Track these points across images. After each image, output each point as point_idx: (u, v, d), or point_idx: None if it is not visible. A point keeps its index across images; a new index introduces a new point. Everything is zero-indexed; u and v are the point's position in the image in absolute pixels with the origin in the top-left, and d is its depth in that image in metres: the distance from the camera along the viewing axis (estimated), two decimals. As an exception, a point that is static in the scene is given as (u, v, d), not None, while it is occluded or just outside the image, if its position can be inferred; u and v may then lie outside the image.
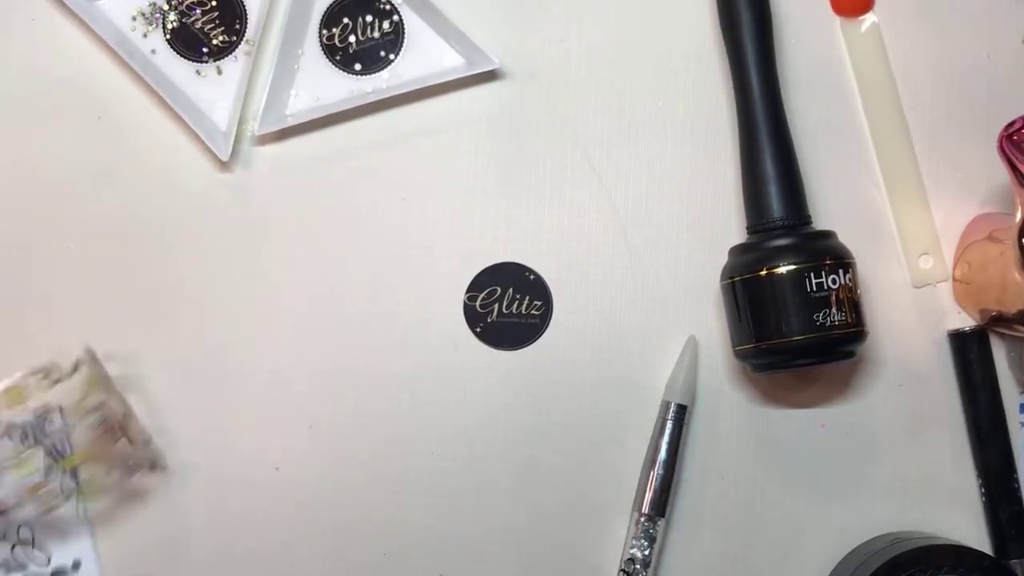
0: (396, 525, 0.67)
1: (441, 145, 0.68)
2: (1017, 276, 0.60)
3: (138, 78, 0.67)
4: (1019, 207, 0.59)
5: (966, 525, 0.66)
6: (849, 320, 0.60)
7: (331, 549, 0.67)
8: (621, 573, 0.65)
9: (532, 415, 0.67)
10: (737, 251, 0.63)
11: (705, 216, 0.67)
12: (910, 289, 0.67)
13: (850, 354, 0.62)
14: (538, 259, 0.67)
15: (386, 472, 0.67)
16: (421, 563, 0.67)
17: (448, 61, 0.68)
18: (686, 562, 0.66)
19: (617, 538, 0.66)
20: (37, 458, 0.62)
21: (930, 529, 0.66)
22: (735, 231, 0.67)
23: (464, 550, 0.67)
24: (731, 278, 0.62)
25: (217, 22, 0.68)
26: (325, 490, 0.67)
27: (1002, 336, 0.67)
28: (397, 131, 0.68)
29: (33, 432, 0.62)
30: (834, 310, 0.60)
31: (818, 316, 0.60)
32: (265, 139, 0.68)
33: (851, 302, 0.61)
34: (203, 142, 0.66)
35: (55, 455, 0.63)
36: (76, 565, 0.66)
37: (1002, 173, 0.59)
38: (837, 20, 0.68)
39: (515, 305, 0.67)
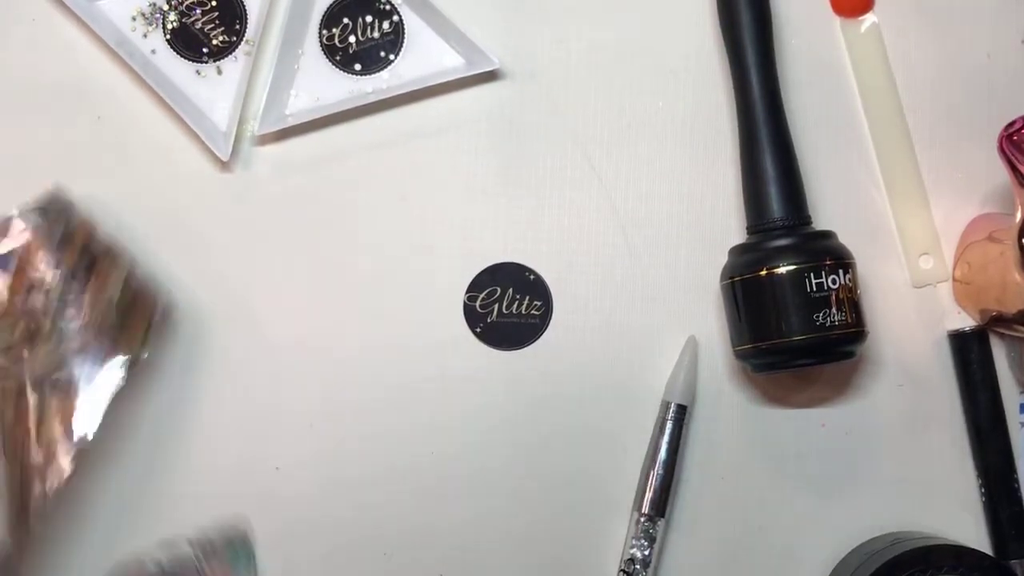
0: (396, 525, 0.67)
1: (441, 145, 0.68)
2: (1017, 276, 0.60)
3: (138, 78, 0.67)
4: (1019, 207, 0.59)
5: (966, 525, 0.66)
6: (849, 320, 0.60)
7: (331, 549, 0.67)
8: (621, 573, 0.65)
9: (532, 415, 0.67)
10: (737, 251, 0.63)
11: (705, 216, 0.67)
12: (910, 289, 0.67)
13: (850, 354, 0.62)
14: (538, 259, 0.68)
15: (386, 472, 0.67)
16: (421, 563, 0.67)
17: (448, 61, 0.68)
18: (686, 562, 0.66)
19: (617, 538, 0.66)
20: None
21: (930, 529, 0.66)
22: (735, 231, 0.67)
23: (464, 550, 0.67)
24: (731, 278, 0.62)
25: (217, 22, 0.68)
26: (325, 490, 0.67)
27: (1002, 336, 0.67)
28: (397, 131, 0.68)
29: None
30: (834, 310, 0.60)
31: (818, 316, 0.60)
32: (265, 139, 0.68)
33: (851, 302, 0.61)
34: (203, 142, 0.66)
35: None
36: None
37: (1002, 173, 0.59)
38: (837, 20, 0.68)
39: (515, 305, 0.67)
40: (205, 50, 0.68)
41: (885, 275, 0.67)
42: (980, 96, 0.68)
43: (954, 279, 0.67)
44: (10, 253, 0.62)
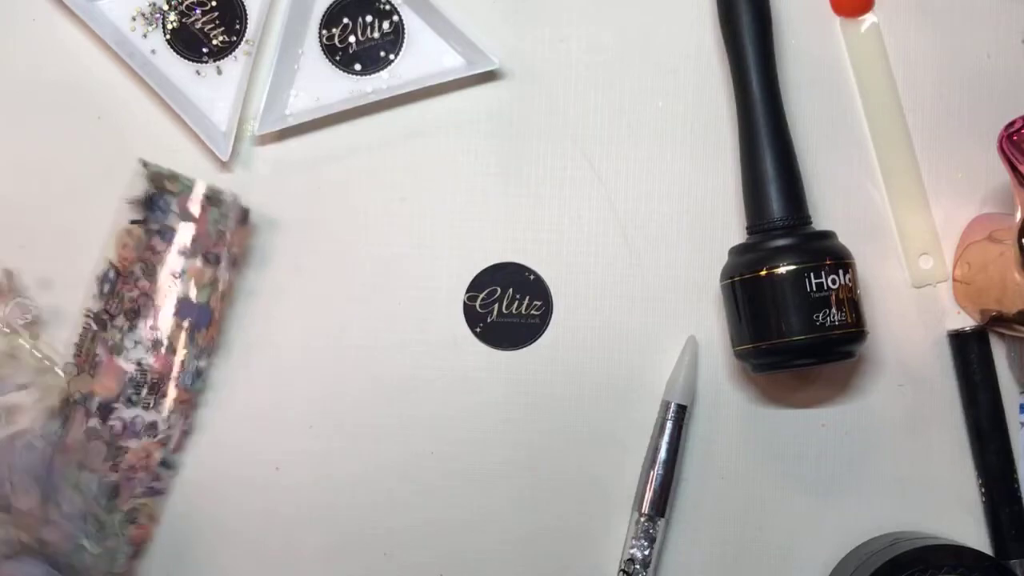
0: (396, 525, 0.67)
1: (441, 145, 0.68)
2: (1017, 276, 0.60)
3: (138, 78, 0.67)
4: (1019, 207, 0.59)
5: (966, 525, 0.66)
6: (849, 320, 0.60)
7: (331, 549, 0.67)
8: (621, 573, 0.65)
9: (532, 415, 0.67)
10: (737, 251, 0.63)
11: (705, 216, 0.67)
12: (910, 289, 0.67)
13: (850, 354, 0.62)
14: (538, 259, 0.67)
15: (386, 472, 0.67)
16: (421, 563, 0.67)
17: (448, 61, 0.68)
18: (686, 562, 0.66)
19: (617, 538, 0.66)
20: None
21: (930, 529, 0.66)
22: (735, 231, 0.67)
23: (464, 550, 0.67)
24: (731, 278, 0.62)
25: (217, 22, 0.68)
26: (325, 490, 0.67)
27: (1002, 336, 0.67)
28: (397, 131, 0.68)
29: None
30: (834, 310, 0.60)
31: (818, 316, 0.60)
32: (265, 139, 0.68)
33: (851, 302, 0.61)
34: (203, 142, 0.66)
35: None
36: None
37: (1002, 173, 0.59)
38: (837, 20, 0.68)
39: (515, 305, 0.67)
40: (205, 50, 0.68)
41: (885, 275, 0.67)
42: (980, 96, 0.68)
43: (954, 279, 0.67)
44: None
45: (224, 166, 0.68)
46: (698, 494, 0.66)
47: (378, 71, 0.68)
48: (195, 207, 0.65)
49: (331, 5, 0.68)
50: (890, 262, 0.67)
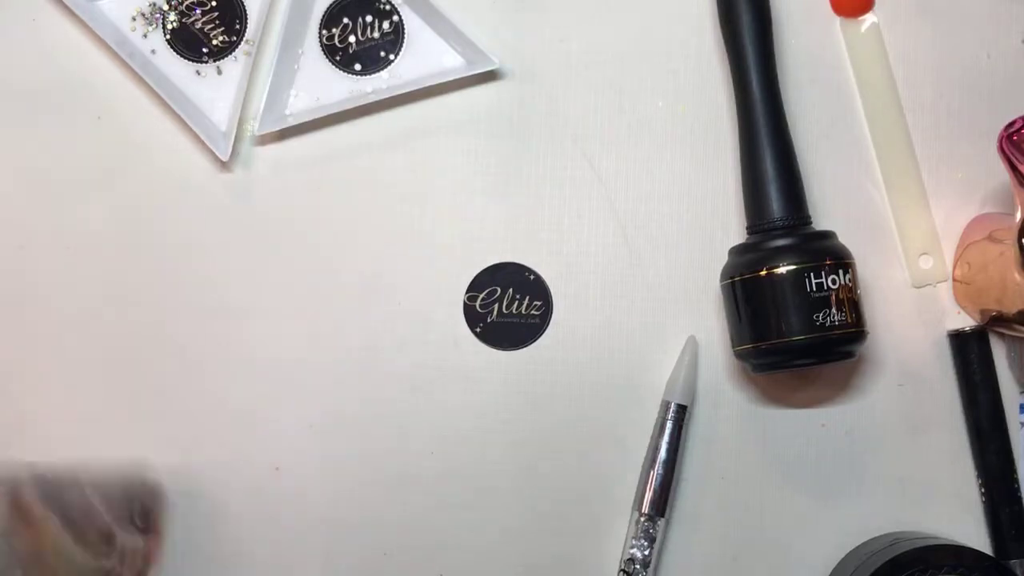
0: (396, 525, 0.67)
1: (441, 145, 0.68)
2: (1017, 276, 0.60)
3: (138, 78, 0.67)
4: (1019, 207, 0.59)
5: (966, 525, 0.66)
6: (849, 320, 0.60)
7: (331, 549, 0.67)
8: (621, 573, 0.65)
9: (532, 415, 0.67)
10: (737, 251, 0.63)
11: (705, 216, 0.67)
12: (910, 289, 0.67)
13: (850, 354, 0.62)
14: (538, 259, 0.67)
15: (386, 472, 0.67)
16: (421, 563, 0.67)
17: (448, 61, 0.68)
18: (686, 562, 0.66)
19: (617, 538, 0.66)
20: None
21: (930, 529, 0.66)
22: (735, 231, 0.67)
23: (464, 550, 0.67)
24: (731, 278, 0.62)
25: (217, 22, 0.68)
26: (325, 490, 0.67)
27: (1002, 336, 0.67)
28: (397, 131, 0.68)
29: None
30: (834, 310, 0.60)
31: (818, 316, 0.60)
32: (265, 139, 0.68)
33: (851, 302, 0.61)
34: (203, 142, 0.66)
35: None
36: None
37: (1002, 173, 0.59)
38: (837, 20, 0.68)
39: (515, 305, 0.67)
40: (205, 50, 0.68)
41: (885, 275, 0.67)
42: (980, 96, 0.68)
43: (954, 279, 0.67)
44: None
45: (224, 166, 0.68)
46: (698, 494, 0.66)
47: (378, 71, 0.68)
48: None
49: (331, 5, 0.68)
50: (890, 262, 0.67)
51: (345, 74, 0.68)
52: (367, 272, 0.68)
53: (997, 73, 0.68)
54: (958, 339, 0.66)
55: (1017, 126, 0.58)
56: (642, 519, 0.65)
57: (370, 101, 0.67)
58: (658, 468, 0.65)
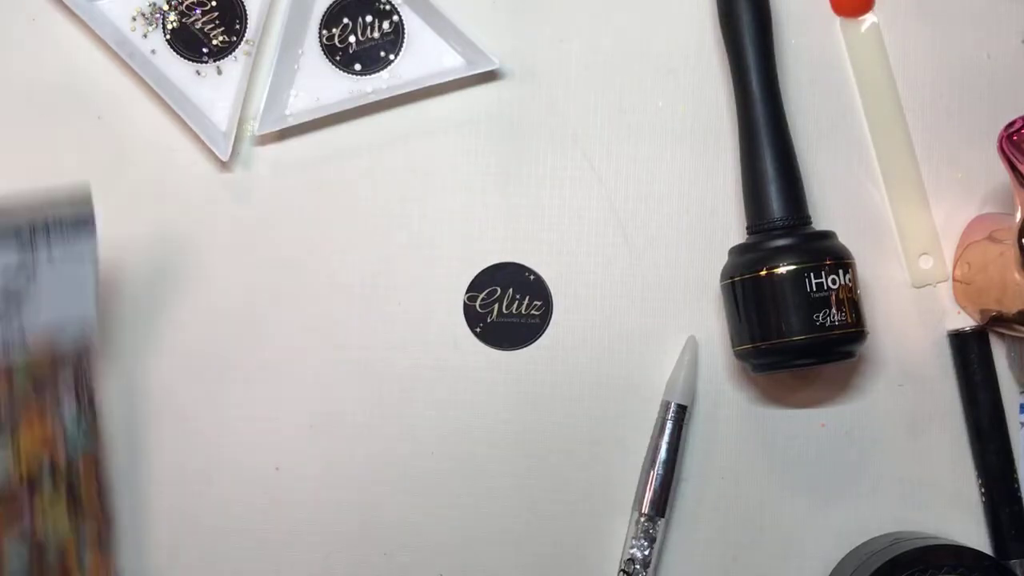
0: (396, 525, 0.67)
1: (441, 145, 0.68)
2: (1017, 276, 0.60)
3: (138, 78, 0.67)
4: (1019, 207, 0.59)
5: (966, 525, 0.66)
6: (849, 320, 0.60)
7: (331, 549, 0.67)
8: (621, 573, 0.65)
9: (532, 415, 0.67)
10: (737, 251, 0.63)
11: (705, 216, 0.67)
12: (910, 289, 0.67)
13: (850, 354, 0.62)
14: (538, 259, 0.68)
15: (386, 472, 0.67)
16: (421, 563, 0.67)
17: (448, 61, 0.68)
18: (686, 562, 0.66)
19: (617, 538, 0.66)
20: None
21: (930, 529, 0.66)
22: (735, 231, 0.67)
23: (464, 550, 0.67)
24: (731, 278, 0.62)
25: (217, 22, 0.68)
26: (325, 490, 0.67)
27: (1002, 336, 0.67)
28: (397, 131, 0.68)
29: None
30: (834, 310, 0.60)
31: (818, 316, 0.60)
32: (265, 139, 0.68)
33: (851, 302, 0.61)
34: (203, 142, 0.66)
35: None
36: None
37: (1002, 173, 0.59)
38: (837, 20, 0.68)
39: (515, 305, 0.67)
40: (205, 50, 0.68)
41: (885, 275, 0.67)
42: (980, 96, 0.68)
43: (954, 279, 0.67)
44: None
45: (224, 166, 0.68)
46: (698, 494, 0.66)
47: (378, 71, 0.68)
48: None
49: (331, 5, 0.68)
50: (890, 262, 0.67)
51: (345, 74, 0.68)
52: (367, 272, 0.68)
53: (997, 73, 0.68)
54: (958, 339, 0.66)
55: (1017, 126, 0.58)
56: (642, 519, 0.65)
57: (370, 101, 0.67)
58: (658, 468, 0.65)
